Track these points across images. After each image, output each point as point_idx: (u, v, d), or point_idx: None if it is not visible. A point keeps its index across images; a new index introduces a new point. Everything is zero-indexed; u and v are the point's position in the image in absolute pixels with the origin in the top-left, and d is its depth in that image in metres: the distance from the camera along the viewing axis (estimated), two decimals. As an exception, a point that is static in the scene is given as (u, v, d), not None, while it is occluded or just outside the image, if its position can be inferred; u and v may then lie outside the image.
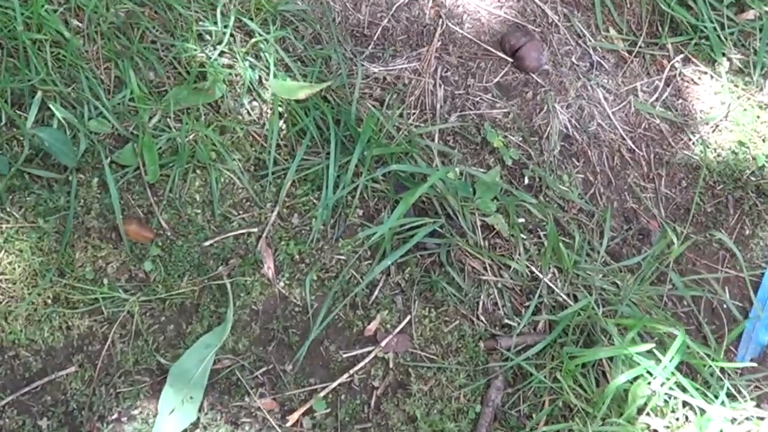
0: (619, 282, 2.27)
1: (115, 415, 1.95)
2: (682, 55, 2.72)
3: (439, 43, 2.45)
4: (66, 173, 2.05)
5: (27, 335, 1.95)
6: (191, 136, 2.13)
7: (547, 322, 2.20)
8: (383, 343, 2.12)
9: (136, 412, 1.96)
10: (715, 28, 2.71)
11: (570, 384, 2.11)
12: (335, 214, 2.20)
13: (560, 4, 2.63)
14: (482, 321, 2.19)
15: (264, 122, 2.22)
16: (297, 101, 2.19)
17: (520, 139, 2.42)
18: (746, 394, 2.18)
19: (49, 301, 1.98)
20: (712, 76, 2.72)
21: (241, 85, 2.21)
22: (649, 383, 2.07)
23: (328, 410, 2.05)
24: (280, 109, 2.19)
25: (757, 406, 2.17)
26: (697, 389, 2.08)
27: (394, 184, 2.23)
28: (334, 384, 2.06)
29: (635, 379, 2.07)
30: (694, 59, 2.73)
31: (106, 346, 1.97)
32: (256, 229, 2.14)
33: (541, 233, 2.30)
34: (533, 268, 2.23)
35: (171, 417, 1.94)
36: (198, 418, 1.97)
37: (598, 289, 2.22)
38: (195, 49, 2.19)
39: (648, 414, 2.07)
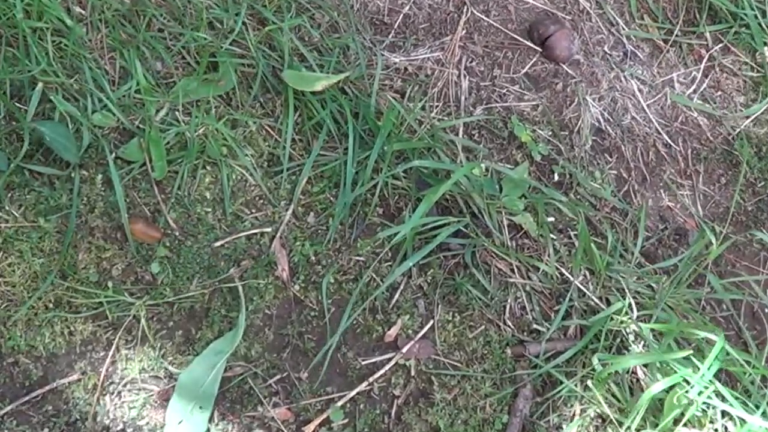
0: (654, 285, 2.25)
1: (121, 426, 1.93)
2: (721, 45, 2.70)
3: (464, 31, 2.46)
4: (68, 169, 2.05)
5: (27, 341, 1.94)
6: (201, 130, 2.13)
7: (578, 327, 2.19)
8: (404, 350, 2.10)
9: (142, 422, 1.94)
10: (756, 16, 2.68)
11: (602, 393, 2.09)
12: (353, 213, 2.19)
13: (592, -10, 2.64)
14: (509, 326, 2.17)
15: (278, 115, 2.22)
16: (313, 93, 2.19)
17: (550, 133, 2.41)
18: (789, 404, 2.13)
19: (51, 305, 1.97)
20: (752, 67, 2.69)
21: (254, 77, 2.21)
22: (686, 392, 2.05)
23: (346, 421, 2.04)
24: (295, 101, 2.19)
25: (801, 416, 2.13)
26: (737, 398, 2.05)
27: (416, 181, 2.21)
28: (353, 393, 2.04)
29: (671, 387, 2.05)
30: (733, 48, 2.70)
31: (110, 353, 1.96)
32: (269, 229, 2.13)
33: (572, 233, 2.29)
34: (563, 270, 2.22)
35: (180, 428, 1.93)
36: (208, 429, 1.96)
37: (632, 292, 2.19)
38: (205, 38, 2.20)
39: (685, 425, 2.04)
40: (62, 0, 2.13)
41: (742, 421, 2.06)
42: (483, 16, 2.51)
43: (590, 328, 2.14)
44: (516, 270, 2.22)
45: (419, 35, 2.45)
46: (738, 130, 2.62)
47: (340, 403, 2.04)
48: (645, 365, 2.12)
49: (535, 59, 2.50)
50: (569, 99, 2.48)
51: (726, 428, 2.07)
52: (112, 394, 1.95)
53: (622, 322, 2.14)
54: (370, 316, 2.13)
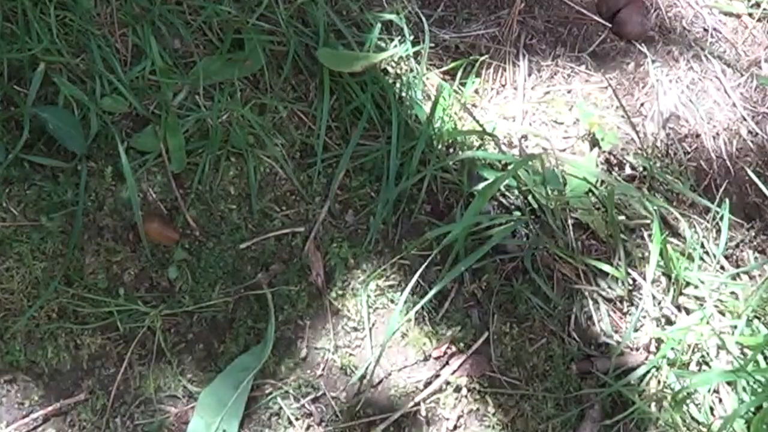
0: (739, 292, 2.20)
1: (133, 453, 1.93)
2: (815, 19, 2.67)
3: (523, 4, 2.46)
4: (74, 161, 2.02)
5: (27, 356, 1.92)
6: (224, 117, 2.11)
7: (652, 340, 2.15)
8: (456, 365, 2.08)
9: (157, 448, 1.93)
10: None
11: (680, 415, 2.07)
12: (397, 211, 2.16)
13: (669, -43, 2.64)
14: (574, 338, 2.14)
15: (312, 100, 2.21)
16: (352, 75, 2.19)
17: (620, 119, 2.38)
18: None
19: (54, 315, 1.94)
20: None
21: (285, 56, 2.19)
22: (776, 414, 2.01)
23: (389, 446, 2.02)
24: (331, 83, 2.18)
25: None
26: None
27: (469, 174, 2.18)
28: (396, 415, 2.01)
29: (758, 408, 2.03)
30: (829, 23, 2.67)
31: (121, 369, 1.94)
32: (302, 229, 2.11)
33: (645, 233, 2.25)
34: (635, 275, 2.19)
35: (200, 455, 1.92)
36: (232, 456, 1.94)
37: (714, 300, 2.17)
38: (229, 12, 2.20)
39: (775, 451, 2.00)
40: (67, -31, 2.12)
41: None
42: (545, -12, 2.53)
43: (666, 341, 2.11)
44: (582, 275, 2.19)
45: (472, 8, 2.44)
46: (833, 115, 2.58)
47: (381, 427, 2.01)
48: (729, 383, 2.10)
49: (603, 36, 2.50)
50: (642, 81, 2.46)
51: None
52: (124, 416, 1.93)
53: (702, 334, 2.11)
54: (416, 327, 2.10)
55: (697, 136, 2.44)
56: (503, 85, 2.36)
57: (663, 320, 2.17)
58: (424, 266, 2.10)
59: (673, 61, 2.51)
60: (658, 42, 2.51)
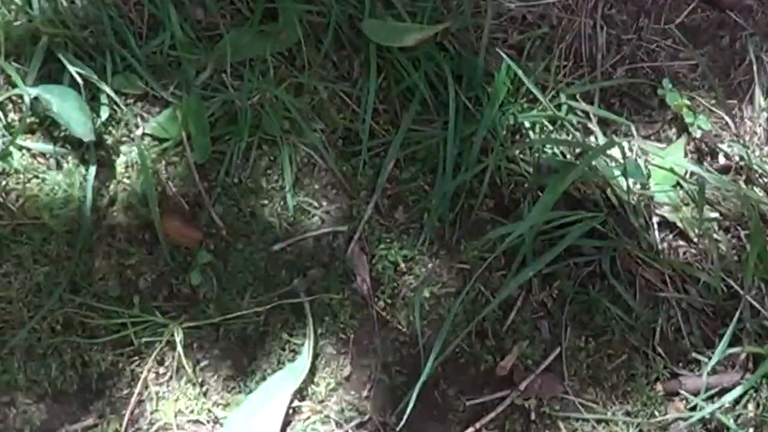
0: None
1: (150, 486, 1.94)
2: None
3: None
4: (81, 149, 1.97)
5: (27, 375, 1.88)
6: (255, 98, 2.05)
7: (750, 357, 2.08)
8: (522, 386, 2.02)
9: (178, 481, 1.94)
10: None
11: None
12: (455, 207, 2.09)
13: None
14: (660, 354, 2.08)
15: (356, 79, 2.14)
16: (402, 50, 2.11)
17: (713, 101, 2.30)
18: None
19: (58, 328, 1.90)
20: None
21: (325, 28, 2.12)
22: None
23: (446, 477, 2.03)
24: (378, 60, 2.12)
25: None
26: None
27: (538, 165, 2.12)
28: None
29: None
30: None
31: (136, 390, 1.90)
32: (345, 228, 2.06)
33: (743, 233, 2.18)
34: (731, 282, 2.11)
35: (228, 488, 1.93)
36: (266, 489, 1.95)
37: None
38: None
39: None
40: (74, -75, 2.09)
41: None
42: (626, -51, 2.48)
43: (766, 358, 2.05)
44: (669, 281, 2.12)
45: (541, -28, 2.42)
46: None
47: (437, 457, 2.01)
48: (843, 407, 2.06)
49: (693, 5, 2.38)
50: (738, 57, 2.37)
51: None
52: (140, 444, 1.94)
53: (809, 349, 2.08)
54: (477, 341, 2.05)
55: (804, 120, 2.40)
56: (578, 63, 2.29)
57: (762, 333, 2.11)
58: (485, 270, 2.07)
59: (774, 34, 2.46)
60: (757, 12, 2.40)
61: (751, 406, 2.05)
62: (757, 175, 2.26)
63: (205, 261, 1.98)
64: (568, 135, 2.17)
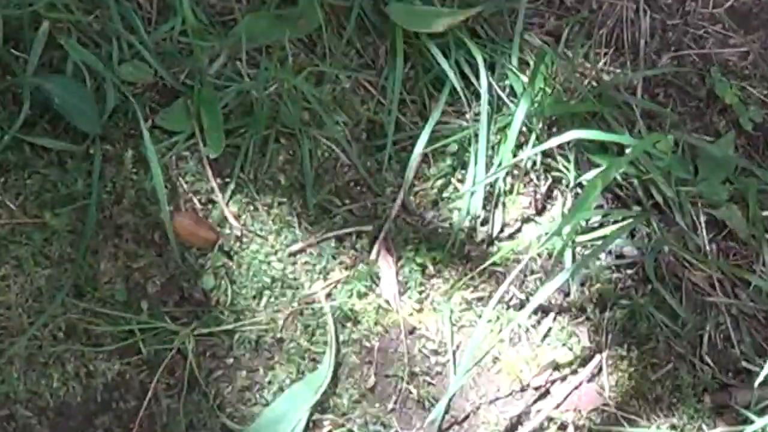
0: None
1: (159, 505, 1.89)
2: None
3: None
4: (86, 143, 1.91)
5: (28, 386, 1.80)
6: (273, 88, 1.99)
7: None
8: (560, 398, 1.97)
9: (190, 499, 1.90)
10: None
11: None
12: (488, 204, 2.04)
13: None
14: (708, 364, 2.03)
15: (381, 67, 2.10)
16: (431, 36, 2.08)
17: (766, 91, 2.26)
18: None
19: (61, 335, 1.83)
20: None
21: (348, 12, 2.10)
22: None
23: (478, 497, 1.98)
24: (405, 47, 2.08)
25: None
26: None
27: (577, 160, 2.09)
28: None
29: None
30: None
31: (145, 402, 1.82)
32: (369, 227, 2.01)
33: None
34: None
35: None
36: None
37: None
38: None
39: None
40: None
41: None
42: (673, -73, 2.45)
43: None
44: (718, 285, 2.08)
45: (581, -47, 2.42)
46: None
47: (468, 473, 1.97)
48: None
49: None
50: None
51: None
52: (149, 460, 1.89)
53: None
54: (511, 349, 2.00)
55: None
56: (619, 50, 2.26)
57: (820, 342, 2.11)
58: (520, 272, 2.01)
59: (836, 18, 2.41)
60: (813, -5, 2.40)
61: (811, 421, 2.01)
62: (814, 171, 2.26)
63: (218, 263, 1.92)
64: (609, 127, 2.12)
